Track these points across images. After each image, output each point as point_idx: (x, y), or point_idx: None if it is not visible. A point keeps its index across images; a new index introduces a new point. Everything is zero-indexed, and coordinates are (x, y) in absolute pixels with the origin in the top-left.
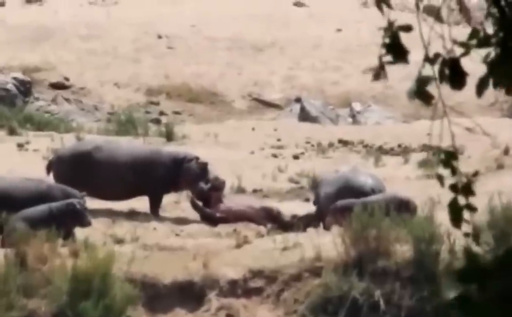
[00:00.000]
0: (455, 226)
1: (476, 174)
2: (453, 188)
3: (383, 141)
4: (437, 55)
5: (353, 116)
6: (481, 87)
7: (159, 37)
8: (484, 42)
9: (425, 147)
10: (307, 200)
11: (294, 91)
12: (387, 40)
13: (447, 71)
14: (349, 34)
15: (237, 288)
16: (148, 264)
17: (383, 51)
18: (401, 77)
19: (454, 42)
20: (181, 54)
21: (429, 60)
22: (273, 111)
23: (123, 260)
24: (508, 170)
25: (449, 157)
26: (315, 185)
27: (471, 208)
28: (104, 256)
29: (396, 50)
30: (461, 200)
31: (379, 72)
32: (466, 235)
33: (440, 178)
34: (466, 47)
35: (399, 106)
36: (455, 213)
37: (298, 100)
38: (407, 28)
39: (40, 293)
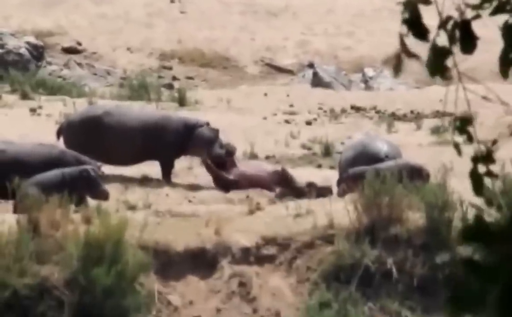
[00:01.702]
0: (477, 194)
1: (495, 142)
2: (474, 159)
3: (396, 107)
4: (448, 18)
5: (365, 81)
6: (504, 66)
7: (172, 1)
8: (499, 8)
9: (438, 114)
10: (319, 166)
11: (307, 56)
12: (406, 16)
13: (457, 34)
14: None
15: (249, 255)
16: (160, 230)
17: (404, 28)
18: (414, 42)
19: (467, 5)
20: (193, 18)
21: (443, 25)
22: (286, 77)
23: (136, 226)
24: None
25: (464, 123)
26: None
27: (492, 175)
28: (116, 223)
29: (417, 28)
30: (481, 168)
31: (398, 67)
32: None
33: (457, 146)
34: (479, 8)
35: (411, 72)
36: (477, 181)
37: (310, 65)
38: (426, 1)
39: (53, 260)
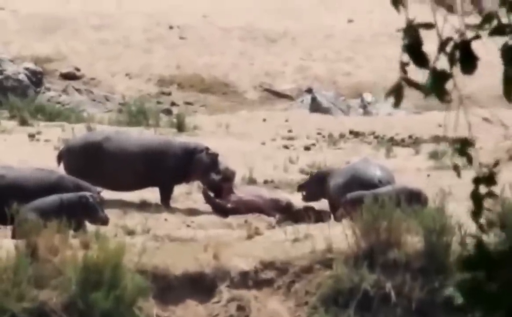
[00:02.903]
0: (476, 215)
1: (497, 163)
2: (475, 180)
3: (394, 132)
4: (448, 39)
5: (364, 107)
6: (508, 86)
7: (171, 27)
8: (498, 29)
9: (436, 139)
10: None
11: (306, 82)
12: (406, 42)
13: (457, 55)
14: (361, 25)
15: (248, 280)
16: (159, 255)
17: (404, 54)
18: (412, 68)
19: (467, 26)
20: (193, 44)
21: (442, 48)
22: (285, 102)
23: (134, 251)
24: None
25: (465, 146)
26: (321, 174)
27: (493, 196)
28: (115, 247)
29: (417, 55)
30: (482, 189)
31: (399, 97)
32: (480, 226)
33: (456, 168)
34: (479, 28)
35: (410, 97)
36: (477, 202)
37: (309, 91)
38: (428, 26)
39: (51, 284)
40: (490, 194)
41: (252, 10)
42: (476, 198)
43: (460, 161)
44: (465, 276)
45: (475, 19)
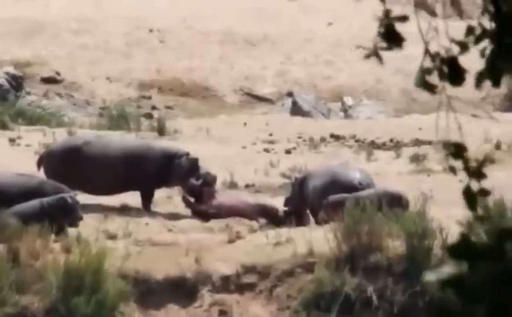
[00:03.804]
0: (472, 210)
1: (486, 158)
2: (467, 171)
3: (375, 136)
4: (436, 55)
5: (345, 110)
6: (479, 81)
7: (151, 31)
8: (480, 37)
9: (417, 142)
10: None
11: (286, 85)
12: (382, 30)
13: (445, 69)
14: (340, 29)
15: (229, 284)
16: (141, 259)
17: (378, 40)
18: (392, 71)
19: (452, 41)
20: (172, 48)
21: (429, 55)
22: (265, 106)
23: (116, 255)
24: (500, 164)
25: (459, 149)
26: (300, 178)
27: (485, 192)
28: (96, 252)
29: (391, 37)
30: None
31: (372, 53)
32: (477, 218)
33: (453, 169)
34: (464, 45)
35: (390, 100)
36: (470, 199)
37: (290, 94)
38: (403, 18)
39: (33, 289)
40: (483, 191)
41: (232, 14)
42: (468, 194)
43: (442, 164)
44: (447, 270)
45: (455, 23)
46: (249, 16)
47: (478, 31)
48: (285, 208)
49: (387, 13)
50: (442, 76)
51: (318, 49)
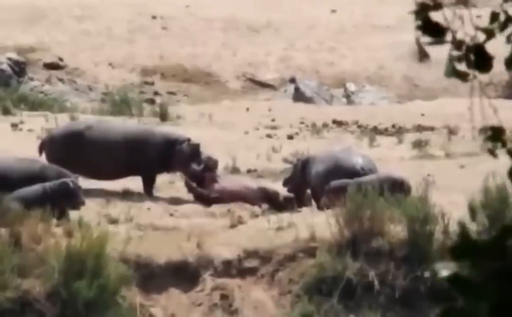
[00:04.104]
0: None
1: None
2: (508, 152)
3: (378, 121)
4: (461, 43)
5: (347, 96)
6: (509, 66)
7: (154, 17)
8: (505, 24)
9: (419, 128)
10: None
11: (289, 72)
12: (419, 23)
13: (472, 57)
14: (343, 15)
15: (231, 268)
16: (142, 244)
17: (419, 33)
18: (395, 57)
19: (477, 28)
20: (175, 34)
21: (456, 43)
22: (268, 92)
23: (117, 240)
24: (502, 150)
25: (497, 131)
26: (301, 162)
27: None
28: (98, 236)
29: (433, 30)
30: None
31: (423, 54)
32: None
33: (492, 152)
34: (490, 32)
35: (393, 87)
36: None
37: (292, 80)
38: (437, 6)
39: (34, 273)
40: None
41: (235, 1)
42: None
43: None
44: (449, 265)
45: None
46: (252, 2)
47: (502, 17)
48: (285, 188)
49: (423, 5)
50: (469, 64)
51: (321, 36)
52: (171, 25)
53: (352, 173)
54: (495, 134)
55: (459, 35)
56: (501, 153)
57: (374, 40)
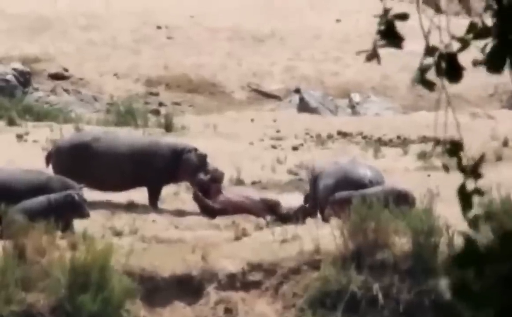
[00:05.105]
0: (465, 210)
1: (482, 157)
2: (462, 169)
3: (382, 132)
4: (434, 49)
5: (352, 107)
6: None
7: (159, 27)
8: (482, 34)
9: (424, 139)
10: (306, 191)
11: (294, 82)
12: (382, 28)
13: (444, 65)
14: (348, 25)
15: (235, 281)
16: (147, 256)
17: (378, 38)
18: (399, 68)
19: (452, 37)
20: (180, 44)
21: (429, 50)
22: (273, 102)
23: (122, 252)
24: (507, 161)
25: (455, 147)
26: (313, 176)
27: (480, 192)
28: (102, 249)
29: (391, 36)
30: (470, 185)
31: (373, 55)
32: (469, 222)
33: (446, 167)
34: (464, 42)
35: (398, 97)
36: (465, 198)
37: (297, 91)
38: (403, 17)
39: (39, 286)
40: (477, 190)
41: (240, 11)
42: (462, 193)
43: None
44: (454, 275)
45: (463, 20)
46: (257, 12)
47: (480, 28)
48: (305, 205)
49: (386, 11)
50: (439, 72)
51: (326, 46)
52: (176, 35)
53: (360, 185)
54: (453, 149)
55: (437, 44)
56: (506, 166)
57: (379, 50)
